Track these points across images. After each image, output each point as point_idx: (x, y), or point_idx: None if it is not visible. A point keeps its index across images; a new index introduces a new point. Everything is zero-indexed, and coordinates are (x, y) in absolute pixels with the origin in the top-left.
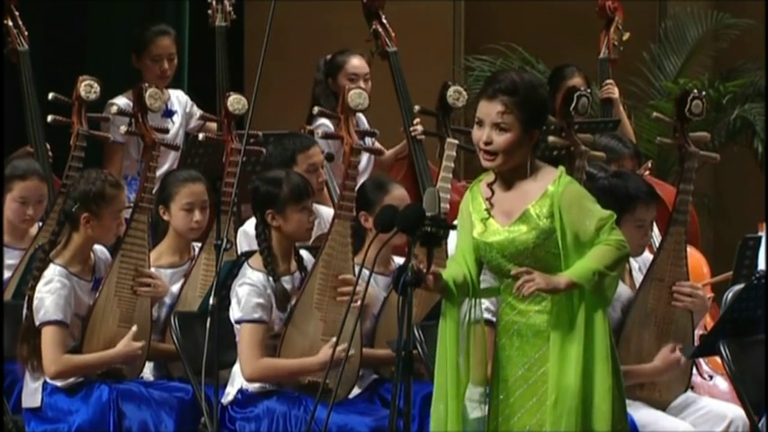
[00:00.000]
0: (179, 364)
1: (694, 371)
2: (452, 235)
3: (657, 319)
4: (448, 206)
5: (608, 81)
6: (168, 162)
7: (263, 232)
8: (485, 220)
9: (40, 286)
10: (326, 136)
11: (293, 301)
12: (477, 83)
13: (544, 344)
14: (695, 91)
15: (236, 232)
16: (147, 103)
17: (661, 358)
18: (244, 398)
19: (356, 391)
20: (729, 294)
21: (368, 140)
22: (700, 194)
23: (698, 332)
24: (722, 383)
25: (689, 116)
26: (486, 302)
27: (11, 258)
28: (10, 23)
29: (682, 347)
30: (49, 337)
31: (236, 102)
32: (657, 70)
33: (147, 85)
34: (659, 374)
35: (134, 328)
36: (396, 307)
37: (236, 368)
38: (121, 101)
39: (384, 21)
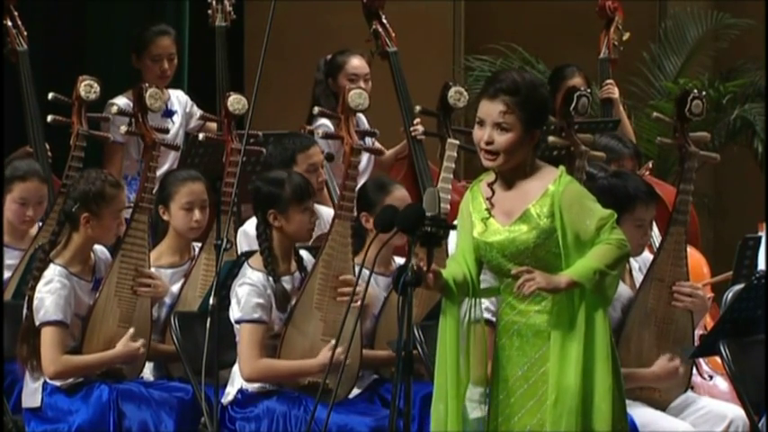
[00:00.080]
0: (179, 364)
1: (694, 371)
2: (452, 235)
3: (657, 319)
4: (448, 206)
5: (608, 81)
6: (168, 162)
7: (264, 232)
8: (485, 220)
9: (40, 286)
10: (327, 136)
11: (293, 302)
12: (477, 83)
13: (544, 344)
14: (695, 91)
15: (236, 232)
16: (147, 103)
17: (659, 365)
18: (244, 398)
19: (356, 391)
20: (729, 294)
21: (368, 140)
22: (700, 194)
23: (698, 332)
24: (722, 383)
25: (689, 116)
26: (486, 302)
27: (11, 258)
28: (9, 23)
29: (681, 351)
30: (48, 337)
31: (236, 102)
32: (657, 70)
33: (147, 85)
34: (657, 381)
35: (131, 330)
36: (396, 307)
37: (236, 368)
38: (121, 101)
39: (384, 21)
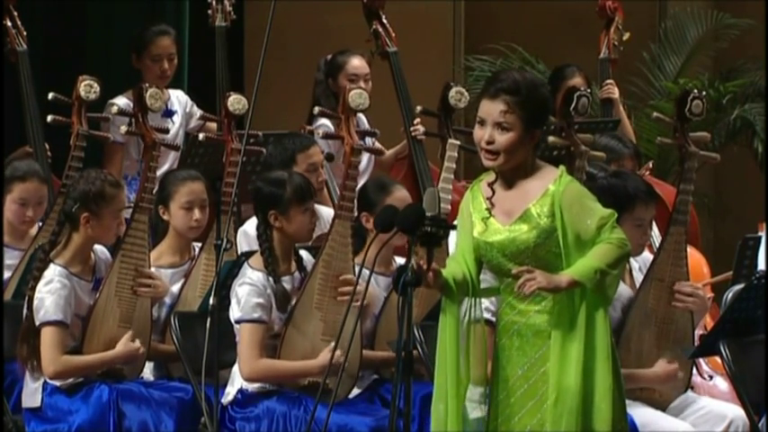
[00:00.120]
0: (179, 364)
1: (694, 371)
2: (453, 235)
3: (657, 320)
4: (449, 206)
5: (608, 81)
6: (168, 162)
7: (264, 233)
8: (485, 220)
9: (40, 286)
10: (327, 136)
11: (293, 302)
12: (477, 83)
13: (544, 343)
14: (695, 91)
15: (236, 232)
16: (148, 103)
17: (660, 366)
18: (244, 398)
19: (356, 391)
20: (729, 294)
21: (368, 140)
22: (700, 194)
23: (698, 332)
24: (722, 383)
25: (689, 116)
26: (485, 302)
27: (11, 258)
28: (8, 23)
29: (681, 351)
30: (48, 337)
31: (236, 102)
32: (657, 70)
33: (147, 85)
34: (657, 382)
35: (130, 332)
36: (396, 307)
37: (236, 368)
38: (121, 101)
39: (384, 21)
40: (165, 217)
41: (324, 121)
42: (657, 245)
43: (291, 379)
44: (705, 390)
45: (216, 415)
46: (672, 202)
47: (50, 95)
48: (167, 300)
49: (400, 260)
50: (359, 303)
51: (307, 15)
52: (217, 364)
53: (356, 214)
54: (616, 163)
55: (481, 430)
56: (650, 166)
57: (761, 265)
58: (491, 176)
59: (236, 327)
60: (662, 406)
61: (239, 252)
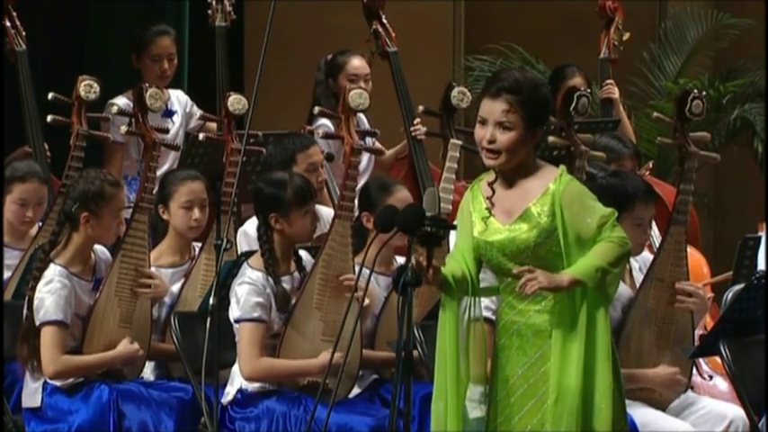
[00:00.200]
0: (179, 364)
1: (694, 371)
2: (453, 234)
3: (658, 319)
4: (450, 206)
5: (608, 81)
6: (168, 162)
7: (264, 234)
8: (485, 219)
9: (40, 286)
10: (327, 136)
11: (293, 302)
12: (477, 83)
13: (544, 343)
14: (695, 91)
15: (236, 232)
16: (148, 103)
17: (661, 367)
18: (243, 398)
19: (356, 390)
20: (729, 294)
21: (368, 140)
22: (700, 194)
23: (698, 332)
24: (722, 383)
25: (689, 116)
26: (486, 301)
27: (11, 258)
28: (8, 24)
29: (681, 351)
30: (48, 337)
31: (236, 102)
32: (657, 70)
33: (147, 85)
34: (657, 383)
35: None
36: (396, 307)
37: (236, 368)
38: (121, 101)
39: (384, 21)
40: (165, 217)
41: (324, 121)
42: (657, 245)
43: (291, 378)
44: (705, 390)
45: (216, 415)
46: (672, 202)
47: (50, 95)
48: (167, 300)
49: (401, 260)
50: (365, 302)
51: (307, 15)
52: (217, 364)
53: (356, 214)
54: (616, 163)
55: (481, 430)
56: (650, 166)
57: (761, 265)
58: (491, 176)
59: (236, 326)
60: (662, 406)
61: (239, 252)
